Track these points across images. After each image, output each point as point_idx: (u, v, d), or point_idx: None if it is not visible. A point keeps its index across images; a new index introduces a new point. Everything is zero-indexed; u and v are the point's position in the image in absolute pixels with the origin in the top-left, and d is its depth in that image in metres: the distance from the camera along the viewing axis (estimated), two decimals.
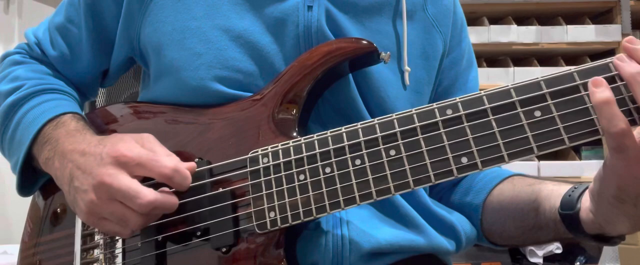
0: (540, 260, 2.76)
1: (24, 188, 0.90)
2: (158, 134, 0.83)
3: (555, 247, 2.75)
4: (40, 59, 0.97)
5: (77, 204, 0.75)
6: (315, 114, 0.82)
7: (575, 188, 0.74)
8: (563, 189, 0.76)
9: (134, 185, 0.70)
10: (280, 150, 0.73)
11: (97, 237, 0.82)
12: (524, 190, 0.84)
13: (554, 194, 0.77)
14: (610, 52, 2.82)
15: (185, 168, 0.73)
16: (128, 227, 0.72)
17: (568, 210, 0.72)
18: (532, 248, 2.75)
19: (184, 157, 0.79)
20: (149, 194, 0.70)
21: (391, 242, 0.79)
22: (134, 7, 0.87)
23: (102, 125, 0.91)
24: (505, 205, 0.86)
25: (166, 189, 0.73)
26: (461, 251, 0.88)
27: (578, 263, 2.78)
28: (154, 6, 0.86)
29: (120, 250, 0.81)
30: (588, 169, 2.52)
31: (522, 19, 2.94)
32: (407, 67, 0.86)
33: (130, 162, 0.71)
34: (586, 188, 0.73)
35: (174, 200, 0.72)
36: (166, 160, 0.72)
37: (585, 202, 0.71)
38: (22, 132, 0.86)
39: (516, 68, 2.81)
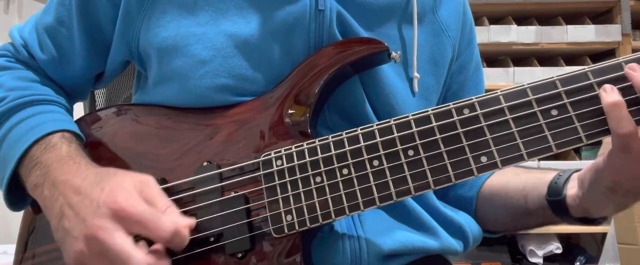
0: (540, 260, 2.76)
1: (13, 204, 0.85)
2: (160, 139, 0.82)
3: (555, 247, 2.76)
4: (27, 63, 0.91)
5: (64, 247, 0.71)
6: (322, 120, 0.81)
7: (560, 175, 0.78)
8: (549, 176, 0.79)
9: (127, 248, 0.65)
10: (294, 153, 0.72)
11: None
12: (512, 180, 0.87)
13: (540, 182, 0.80)
14: (611, 52, 2.83)
15: (185, 226, 0.69)
16: None
17: (555, 196, 0.76)
18: (532, 248, 2.76)
19: (191, 160, 0.78)
20: (140, 261, 0.66)
21: (406, 244, 0.79)
22: (132, 9, 0.84)
23: (97, 131, 0.87)
24: (496, 195, 0.89)
25: (160, 248, 0.69)
26: (467, 251, 0.89)
27: (578, 263, 2.79)
28: (155, 9, 0.83)
29: None
30: None
31: (522, 19, 2.96)
32: (416, 74, 0.85)
33: (129, 219, 0.66)
34: (570, 175, 0.77)
35: (165, 264, 0.69)
36: (166, 221, 0.67)
37: (572, 189, 0.75)
38: (7, 151, 0.81)
39: (516, 68, 2.82)
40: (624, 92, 0.62)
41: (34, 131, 0.80)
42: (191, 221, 0.70)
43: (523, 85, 0.66)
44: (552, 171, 0.80)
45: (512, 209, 0.85)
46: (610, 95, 0.62)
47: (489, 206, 0.90)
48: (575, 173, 0.77)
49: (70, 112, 0.91)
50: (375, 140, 0.69)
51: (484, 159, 0.65)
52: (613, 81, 0.63)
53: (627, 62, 0.64)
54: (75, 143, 0.81)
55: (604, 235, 2.46)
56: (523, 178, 0.85)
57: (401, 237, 0.79)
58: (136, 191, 0.69)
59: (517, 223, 0.87)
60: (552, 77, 0.65)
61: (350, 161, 0.70)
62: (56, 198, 0.73)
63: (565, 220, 0.77)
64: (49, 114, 0.84)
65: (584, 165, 0.74)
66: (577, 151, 2.79)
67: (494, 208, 0.89)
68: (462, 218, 0.87)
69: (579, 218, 0.76)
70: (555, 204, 0.76)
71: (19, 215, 0.91)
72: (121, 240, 0.66)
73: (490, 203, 0.90)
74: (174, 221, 0.67)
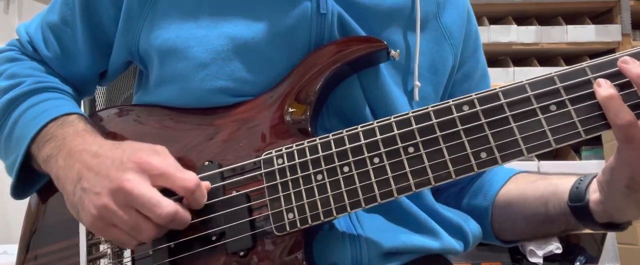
0: (540, 260, 2.76)
1: (18, 190, 0.86)
2: (161, 138, 0.81)
3: (555, 247, 2.76)
4: (33, 58, 0.92)
5: (83, 206, 0.71)
6: (321, 123, 0.81)
7: (581, 180, 0.76)
8: (568, 182, 0.78)
9: (156, 194, 0.67)
10: (295, 151, 0.72)
11: (103, 247, 0.80)
12: (529, 188, 0.86)
13: (559, 188, 0.79)
14: (611, 52, 2.79)
15: (204, 184, 0.71)
16: (138, 237, 0.69)
17: (577, 202, 0.75)
18: (532, 248, 2.76)
19: (192, 160, 0.78)
20: (169, 204, 0.67)
21: (406, 244, 0.79)
22: (133, 10, 0.84)
23: (100, 130, 0.86)
24: (514, 204, 0.87)
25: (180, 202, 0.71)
26: (467, 250, 0.88)
27: (578, 263, 2.79)
28: (156, 12, 0.83)
29: (129, 259, 0.78)
30: (588, 169, 2.53)
31: (522, 19, 2.96)
32: (417, 83, 0.84)
33: (154, 171, 0.68)
34: (592, 180, 0.75)
35: (188, 217, 0.70)
36: (190, 173, 0.70)
37: (594, 193, 0.73)
38: (22, 129, 0.82)
39: (516, 68, 2.82)
40: (621, 86, 0.63)
41: (50, 111, 0.82)
42: (207, 183, 0.73)
43: (522, 82, 0.66)
44: (572, 176, 0.79)
45: (532, 217, 0.84)
46: (604, 88, 0.63)
47: (506, 215, 0.89)
48: (595, 177, 0.75)
49: (78, 105, 0.93)
50: (375, 138, 0.70)
51: (483, 154, 0.66)
52: (611, 76, 0.64)
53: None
54: (91, 124, 0.83)
55: (604, 235, 2.47)
56: (540, 185, 0.84)
57: (402, 237, 0.79)
58: (155, 153, 0.71)
59: (537, 231, 0.85)
60: (551, 73, 0.66)
61: (351, 159, 0.70)
62: (72, 165, 0.74)
63: (588, 226, 0.76)
64: (64, 100, 0.87)
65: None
66: (577, 151, 2.79)
67: (512, 217, 0.88)
68: (461, 218, 0.87)
69: (603, 224, 0.74)
70: (578, 210, 0.75)
71: (19, 216, 0.91)
72: (147, 188, 0.68)
73: (507, 212, 0.88)
74: (195, 175, 0.70)
